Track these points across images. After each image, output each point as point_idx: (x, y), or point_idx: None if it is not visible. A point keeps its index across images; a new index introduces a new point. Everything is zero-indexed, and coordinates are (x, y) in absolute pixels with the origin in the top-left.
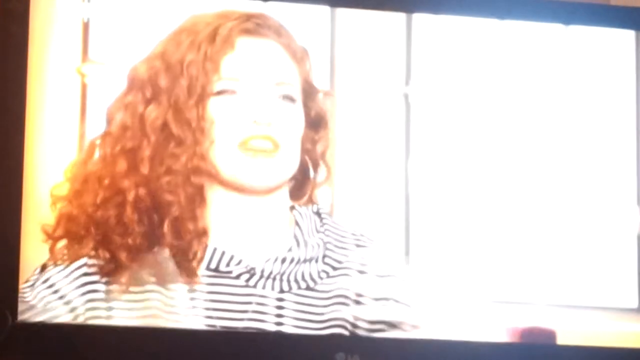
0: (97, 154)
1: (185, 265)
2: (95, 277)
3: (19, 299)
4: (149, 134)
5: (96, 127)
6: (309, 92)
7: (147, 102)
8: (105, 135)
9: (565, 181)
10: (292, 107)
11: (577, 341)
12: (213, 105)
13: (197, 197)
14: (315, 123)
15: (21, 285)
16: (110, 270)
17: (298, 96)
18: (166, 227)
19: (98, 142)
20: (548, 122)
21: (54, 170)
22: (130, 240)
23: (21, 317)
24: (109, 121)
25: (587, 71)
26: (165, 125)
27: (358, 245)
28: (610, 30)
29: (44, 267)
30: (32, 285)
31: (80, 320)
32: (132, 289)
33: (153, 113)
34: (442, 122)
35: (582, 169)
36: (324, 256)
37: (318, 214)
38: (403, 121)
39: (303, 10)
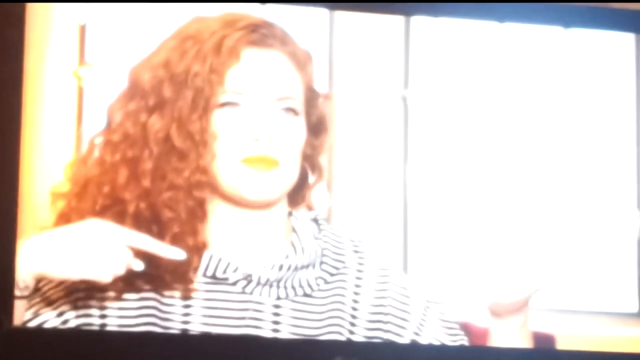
0: (96, 154)
1: (182, 274)
2: (90, 292)
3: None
4: (151, 145)
5: (93, 130)
6: (311, 98)
7: (150, 112)
8: (107, 139)
9: (566, 185)
10: (294, 120)
11: (576, 346)
12: (216, 118)
13: (199, 211)
14: (316, 128)
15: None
16: None
17: (301, 108)
18: (167, 243)
19: (97, 140)
20: (548, 126)
21: (50, 173)
22: None
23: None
24: (110, 120)
25: (587, 74)
26: (168, 138)
27: (356, 252)
28: (610, 33)
29: None
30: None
31: (70, 325)
32: (126, 295)
33: (156, 124)
34: (440, 125)
35: (582, 173)
36: (321, 263)
37: (315, 220)
38: (401, 124)
39: (301, 12)
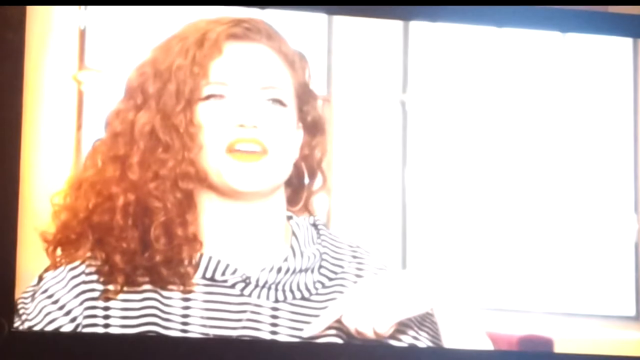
0: (91, 156)
1: (180, 271)
2: (93, 285)
3: (19, 311)
4: (137, 140)
5: (93, 134)
6: (304, 96)
7: (138, 109)
8: (99, 140)
9: (563, 189)
10: (281, 111)
11: (574, 349)
12: (201, 110)
13: (186, 202)
14: (312, 128)
15: (20, 297)
16: (107, 273)
17: (290, 100)
18: (154, 232)
19: (94, 145)
20: (545, 130)
21: (50, 177)
22: (124, 244)
23: (22, 329)
24: (106, 129)
25: (584, 79)
26: (153, 131)
27: (354, 257)
28: (607, 38)
29: (40, 279)
30: (32, 296)
31: (79, 328)
32: (129, 296)
33: (142, 119)
34: (439, 130)
35: (580, 177)
36: (320, 267)
37: (315, 225)
38: (400, 129)
39: (300, 17)
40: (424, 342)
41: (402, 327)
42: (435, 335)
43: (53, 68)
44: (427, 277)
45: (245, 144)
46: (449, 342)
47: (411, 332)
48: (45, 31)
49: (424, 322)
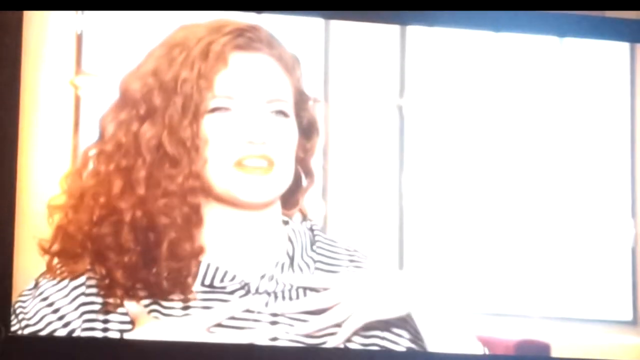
0: (90, 166)
1: (180, 282)
2: (92, 298)
3: (18, 315)
4: (144, 153)
5: (89, 139)
6: (300, 101)
7: (142, 120)
8: (100, 150)
9: (560, 194)
10: (285, 122)
11: (571, 354)
12: (207, 123)
13: (194, 217)
14: (308, 131)
15: (17, 300)
16: (106, 287)
17: (291, 110)
18: (164, 249)
19: (91, 152)
20: (543, 135)
21: (47, 182)
22: (126, 259)
23: (20, 332)
24: (102, 132)
25: (582, 83)
26: (160, 145)
27: (351, 261)
28: (604, 43)
29: (36, 284)
30: (27, 300)
31: (76, 334)
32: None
33: (148, 133)
34: (436, 134)
35: (576, 181)
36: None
37: (311, 230)
38: (397, 133)
39: (297, 22)
40: (421, 345)
41: (399, 331)
42: (433, 338)
43: (50, 73)
44: (408, 280)
45: (254, 160)
46: (432, 345)
47: (408, 336)
48: (42, 36)
49: (421, 324)
